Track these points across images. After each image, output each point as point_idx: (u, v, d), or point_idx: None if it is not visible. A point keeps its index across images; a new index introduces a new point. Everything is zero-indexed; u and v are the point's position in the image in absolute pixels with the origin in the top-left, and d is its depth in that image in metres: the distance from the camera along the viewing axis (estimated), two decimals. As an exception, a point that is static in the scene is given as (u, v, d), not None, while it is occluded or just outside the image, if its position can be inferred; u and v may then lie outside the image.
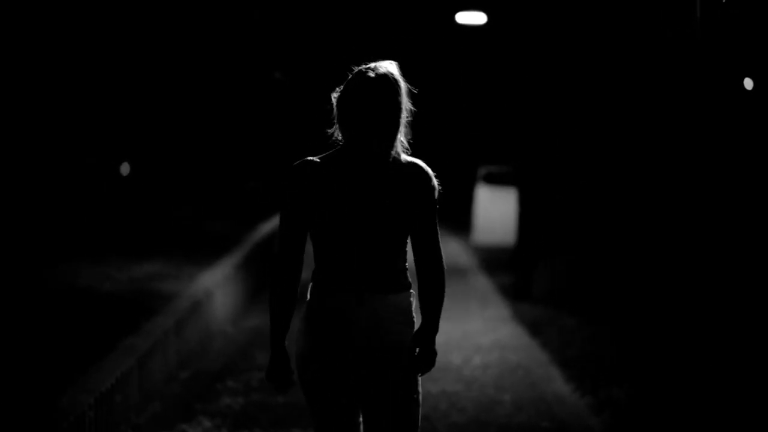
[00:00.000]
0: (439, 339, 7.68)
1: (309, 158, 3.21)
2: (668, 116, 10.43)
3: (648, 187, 10.70)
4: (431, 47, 21.27)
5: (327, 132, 3.29)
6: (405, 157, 3.21)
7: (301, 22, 25.77)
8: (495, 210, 16.87)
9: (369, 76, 3.13)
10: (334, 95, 3.22)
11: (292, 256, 3.18)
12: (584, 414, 6.15)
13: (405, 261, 3.24)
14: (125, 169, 19.42)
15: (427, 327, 3.21)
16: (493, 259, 14.67)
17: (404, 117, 3.17)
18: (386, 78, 3.14)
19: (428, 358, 3.21)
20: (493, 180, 17.29)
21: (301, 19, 25.64)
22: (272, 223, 13.56)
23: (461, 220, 19.10)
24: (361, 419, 3.31)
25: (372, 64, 3.19)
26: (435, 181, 3.23)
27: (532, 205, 11.23)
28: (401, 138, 3.19)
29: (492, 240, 16.91)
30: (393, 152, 3.16)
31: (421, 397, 3.29)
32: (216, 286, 8.70)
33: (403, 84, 3.17)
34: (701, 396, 6.41)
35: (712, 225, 9.11)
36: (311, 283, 3.25)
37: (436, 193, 3.23)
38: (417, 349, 3.21)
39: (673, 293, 9.88)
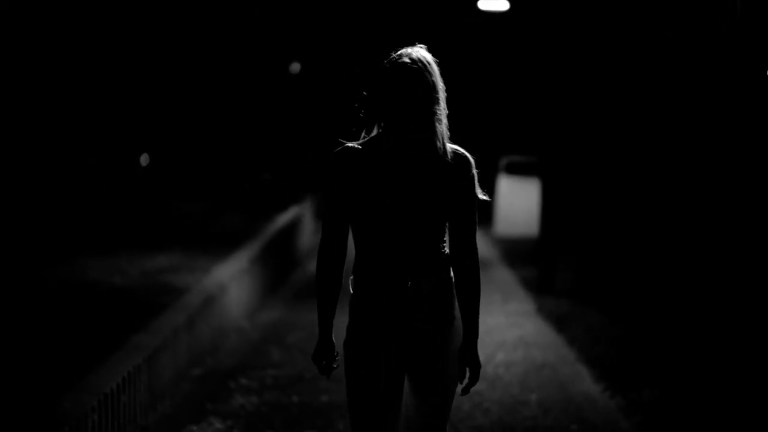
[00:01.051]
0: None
1: (349, 145, 3.21)
2: (694, 109, 10.10)
3: (678, 179, 10.36)
4: (452, 34, 20.90)
5: (354, 129, 3.28)
6: (449, 146, 3.21)
7: (318, 12, 25.49)
8: (517, 201, 16.54)
9: (404, 62, 3.16)
10: (367, 88, 3.25)
11: (336, 242, 3.21)
12: (615, 416, 5.84)
13: (444, 242, 3.25)
14: (145, 159, 19.34)
15: (467, 336, 3.22)
16: (514, 252, 14.35)
17: (442, 102, 3.18)
18: (421, 62, 3.16)
19: (474, 372, 3.24)
20: (515, 170, 16.94)
21: (317, 9, 25.36)
22: (288, 215, 13.29)
23: (482, 210, 18.78)
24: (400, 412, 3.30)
25: (405, 50, 3.21)
26: (474, 171, 3.23)
27: (556, 196, 10.89)
28: (443, 124, 3.18)
29: (514, 232, 16.58)
30: (437, 140, 3.16)
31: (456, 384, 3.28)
32: (231, 280, 8.43)
33: (436, 68, 3.19)
34: (736, 398, 6.08)
35: (742, 222, 8.78)
36: (352, 276, 3.26)
37: (476, 183, 3.23)
38: (460, 366, 3.22)
39: (702, 288, 9.54)
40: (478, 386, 6.38)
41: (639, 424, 5.64)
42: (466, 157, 3.21)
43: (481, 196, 3.25)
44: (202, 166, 20.17)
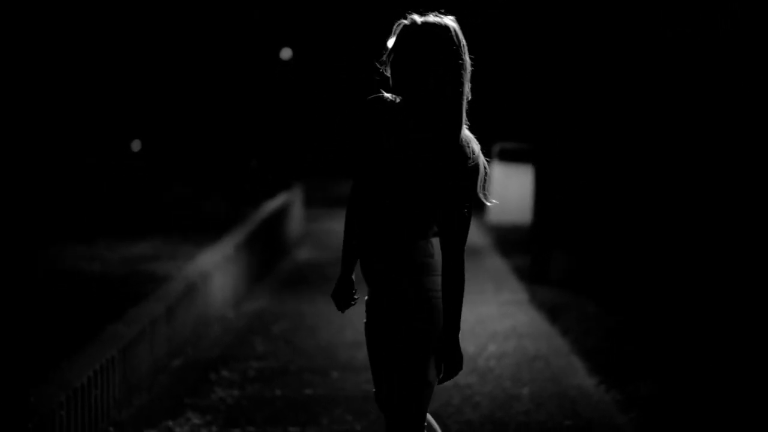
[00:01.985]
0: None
1: (381, 99, 3.12)
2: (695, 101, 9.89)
3: (675, 173, 10.13)
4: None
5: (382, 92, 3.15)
6: (464, 132, 3.04)
7: (308, 2, 25.15)
8: (510, 188, 16.29)
9: (411, 24, 3.01)
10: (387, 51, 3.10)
11: (361, 193, 3.17)
12: (611, 411, 5.59)
13: (428, 242, 3.10)
14: (136, 145, 19.22)
15: (445, 329, 3.07)
16: (508, 239, 14.10)
17: (466, 82, 3.04)
18: (446, 27, 3.01)
19: (451, 363, 3.09)
20: (508, 157, 16.69)
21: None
22: (277, 202, 13.03)
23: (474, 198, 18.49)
24: None
25: (429, 14, 3.06)
26: (469, 167, 3.00)
27: (550, 184, 10.63)
28: (464, 108, 3.04)
29: (507, 219, 16.34)
30: (457, 125, 2.99)
31: (430, 386, 3.15)
32: (215, 268, 8.17)
33: (464, 40, 3.05)
34: (735, 392, 5.85)
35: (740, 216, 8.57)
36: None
37: (469, 180, 3.02)
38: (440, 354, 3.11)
39: (698, 278, 9.32)
40: (469, 379, 6.16)
41: (635, 419, 5.40)
42: (463, 152, 2.99)
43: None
44: (194, 152, 19.94)
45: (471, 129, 3.11)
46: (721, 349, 6.76)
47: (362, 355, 6.58)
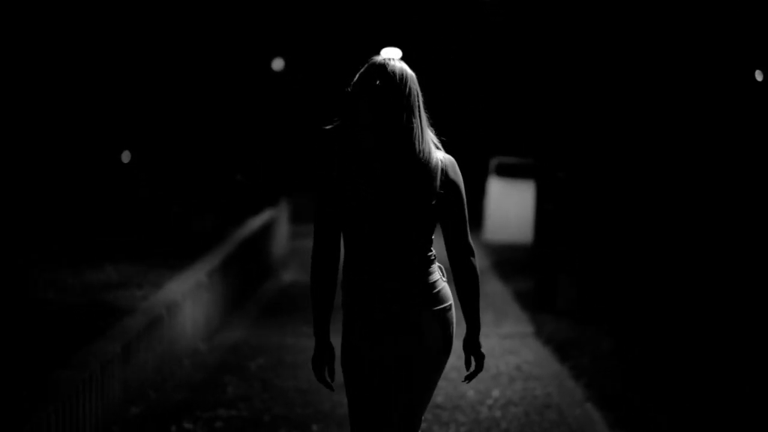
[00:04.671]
0: (451, 363, 6.11)
1: (334, 145, 3.21)
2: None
3: (689, 185, 9.36)
4: (443, 24, 19.78)
5: (333, 121, 3.25)
6: (435, 151, 3.22)
7: (306, 4, 24.33)
8: (509, 205, 15.47)
9: (375, 64, 3.21)
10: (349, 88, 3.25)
11: (328, 244, 3.20)
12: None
13: (428, 250, 3.26)
14: (126, 157, 18.58)
15: (469, 329, 3.31)
16: (507, 260, 13.26)
17: (417, 105, 3.20)
18: (397, 69, 3.20)
19: (477, 362, 3.33)
20: (506, 172, 15.86)
21: (306, 3, 24.19)
22: (261, 219, 12.20)
23: (471, 215, 17.69)
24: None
25: (380, 56, 3.27)
26: (459, 173, 3.28)
27: (553, 201, 9.81)
28: (427, 131, 3.22)
29: (505, 238, 15.51)
30: (418, 145, 3.16)
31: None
32: (185, 297, 7.32)
33: (413, 74, 3.23)
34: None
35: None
36: (342, 270, 3.25)
37: (462, 185, 3.28)
38: (465, 356, 3.34)
39: (723, 305, 8.52)
40: (470, 433, 5.33)
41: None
42: (451, 159, 3.27)
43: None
44: (184, 165, 19.16)
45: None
46: (748, 389, 5.92)
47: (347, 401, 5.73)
